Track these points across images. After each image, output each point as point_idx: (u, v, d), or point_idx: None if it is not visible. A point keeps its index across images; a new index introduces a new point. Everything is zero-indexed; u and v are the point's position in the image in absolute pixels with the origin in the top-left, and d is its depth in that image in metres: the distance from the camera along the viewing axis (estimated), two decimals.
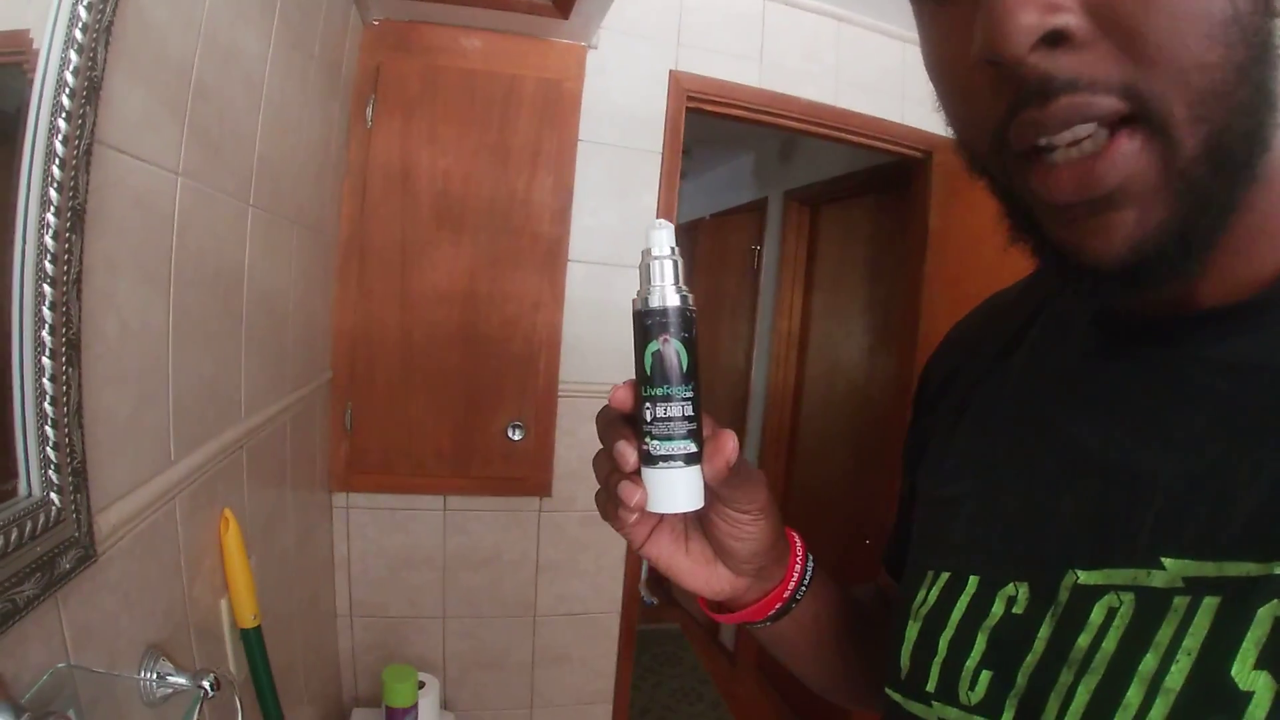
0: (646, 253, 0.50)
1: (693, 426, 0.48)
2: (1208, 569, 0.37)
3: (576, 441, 2.34)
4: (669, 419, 0.48)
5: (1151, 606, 0.39)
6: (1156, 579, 0.39)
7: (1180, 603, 0.38)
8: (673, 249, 0.49)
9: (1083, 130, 0.37)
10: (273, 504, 1.51)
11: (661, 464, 0.48)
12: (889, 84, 2.63)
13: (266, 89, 1.28)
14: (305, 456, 1.82)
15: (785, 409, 4.00)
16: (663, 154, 2.47)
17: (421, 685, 1.96)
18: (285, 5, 1.34)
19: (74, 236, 0.68)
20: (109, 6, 0.68)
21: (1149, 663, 0.38)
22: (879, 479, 2.88)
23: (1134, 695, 0.38)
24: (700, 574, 0.60)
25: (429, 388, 2.20)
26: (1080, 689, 0.40)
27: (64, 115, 0.64)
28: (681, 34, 2.45)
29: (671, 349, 0.48)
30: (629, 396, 0.50)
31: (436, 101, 2.15)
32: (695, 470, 0.49)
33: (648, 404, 0.48)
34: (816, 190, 3.83)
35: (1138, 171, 0.37)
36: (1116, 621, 0.40)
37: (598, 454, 0.54)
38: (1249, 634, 0.34)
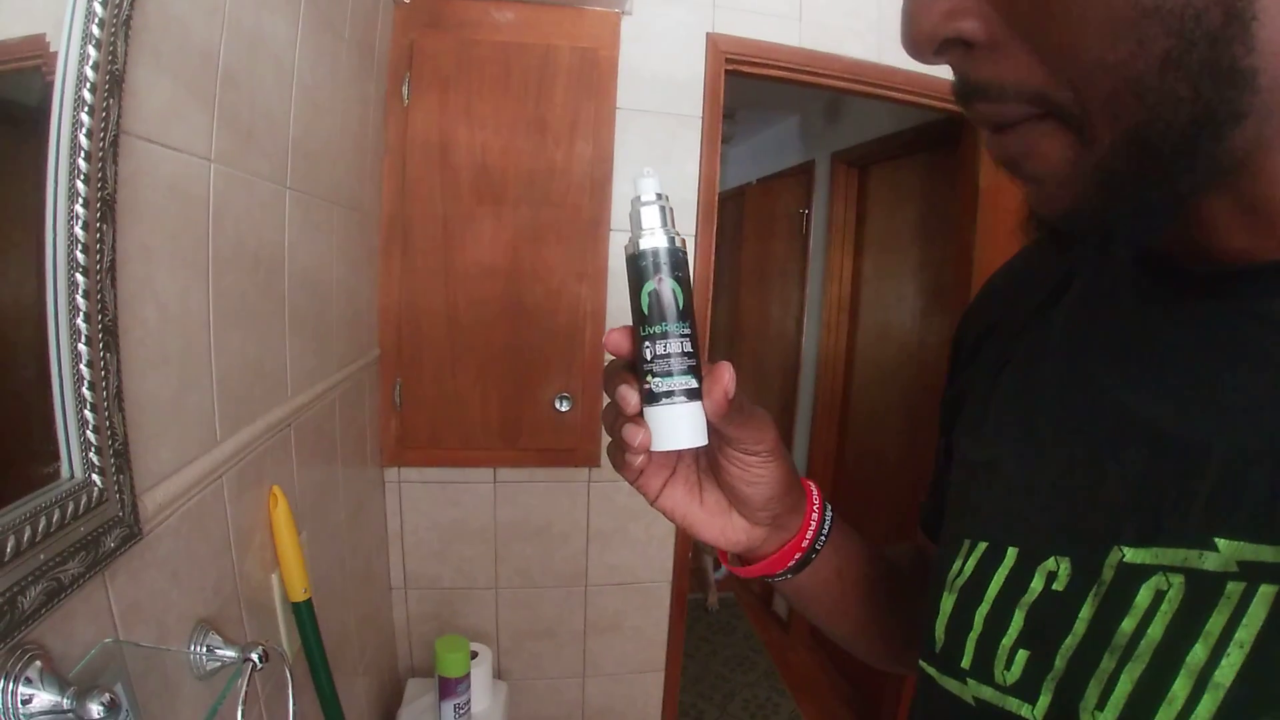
0: (636, 200, 0.51)
1: (692, 362, 0.50)
2: (1265, 553, 0.35)
3: None
4: (669, 355, 0.49)
5: (1202, 592, 0.36)
6: (1209, 561, 0.36)
7: (1234, 589, 0.35)
8: (659, 194, 0.51)
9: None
10: (323, 480, 1.55)
11: (665, 400, 0.49)
12: None
13: (297, 72, 1.29)
14: (355, 433, 1.86)
15: (837, 376, 3.95)
16: (703, 119, 2.44)
17: (474, 655, 2.01)
18: None
19: (105, 226, 0.70)
20: (126, 1, 0.69)
21: (1198, 654, 0.35)
22: (935, 444, 2.82)
23: (1180, 688, 0.35)
24: (716, 524, 0.59)
25: (476, 362, 2.23)
26: (1123, 677, 0.38)
27: (86, 109, 0.66)
28: None
29: (667, 287, 0.49)
30: (624, 340, 0.51)
31: (472, 76, 2.16)
32: (697, 406, 0.50)
33: (647, 343, 0.49)
34: (864, 151, 3.74)
35: (1053, 165, 0.38)
36: (1164, 606, 0.37)
37: (604, 407, 0.54)
38: None
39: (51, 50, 0.63)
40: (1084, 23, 0.34)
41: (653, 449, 0.50)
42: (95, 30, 0.65)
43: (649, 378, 0.49)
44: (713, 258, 2.50)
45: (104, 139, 0.69)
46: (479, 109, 2.17)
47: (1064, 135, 0.37)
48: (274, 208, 1.23)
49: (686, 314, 0.50)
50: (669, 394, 0.49)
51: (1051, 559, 0.44)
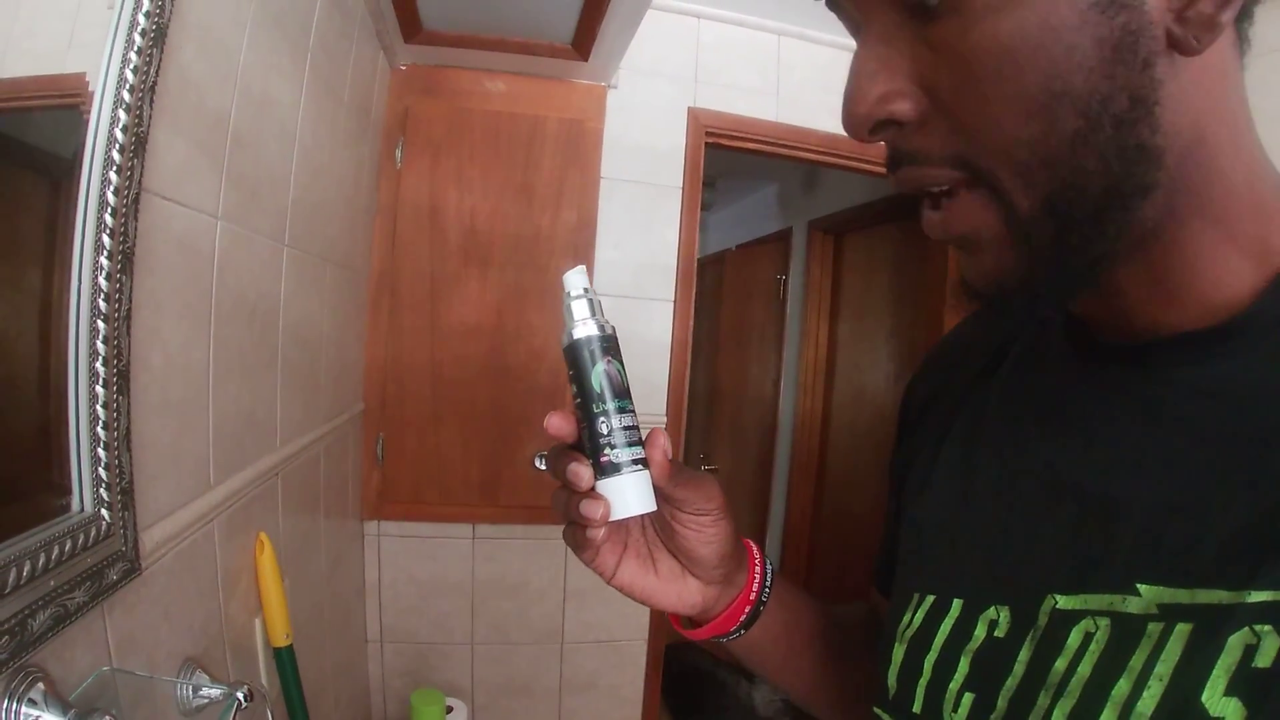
0: (567, 295, 0.56)
1: (638, 434, 0.54)
2: (1181, 596, 0.38)
3: None
4: (625, 428, 0.53)
5: (1126, 632, 0.40)
6: (1132, 605, 0.40)
7: (1154, 629, 0.38)
8: (586, 288, 0.57)
9: (934, 189, 0.42)
10: (306, 530, 1.57)
11: (626, 470, 0.53)
12: None
13: (299, 134, 1.36)
14: (338, 485, 1.88)
15: (813, 437, 4.01)
16: (683, 189, 2.53)
17: (450, 710, 2.00)
18: (316, 55, 1.43)
19: (124, 277, 0.75)
20: (153, 68, 0.76)
21: (1122, 688, 0.38)
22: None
23: (1107, 719, 0.38)
24: (673, 590, 0.62)
25: (458, 419, 2.26)
26: (1056, 712, 0.41)
27: (114, 168, 0.71)
28: (699, 71, 2.52)
29: (614, 368, 0.54)
30: (566, 422, 0.55)
31: (463, 142, 2.23)
32: (646, 473, 0.54)
33: (601, 419, 0.53)
34: (840, 219, 3.86)
35: (983, 223, 0.42)
36: (1093, 646, 0.41)
37: (555, 492, 0.57)
38: (1220, 661, 0.35)
39: (90, 89, 0.69)
40: (1000, 103, 0.38)
41: (613, 519, 0.53)
42: (126, 95, 0.71)
43: (606, 450, 0.53)
44: (691, 322, 2.57)
45: (128, 196, 0.74)
46: (469, 174, 2.24)
47: (994, 203, 0.41)
48: (272, 264, 1.28)
49: (628, 390, 0.55)
50: (628, 463, 0.53)
51: (993, 608, 0.48)
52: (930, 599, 0.53)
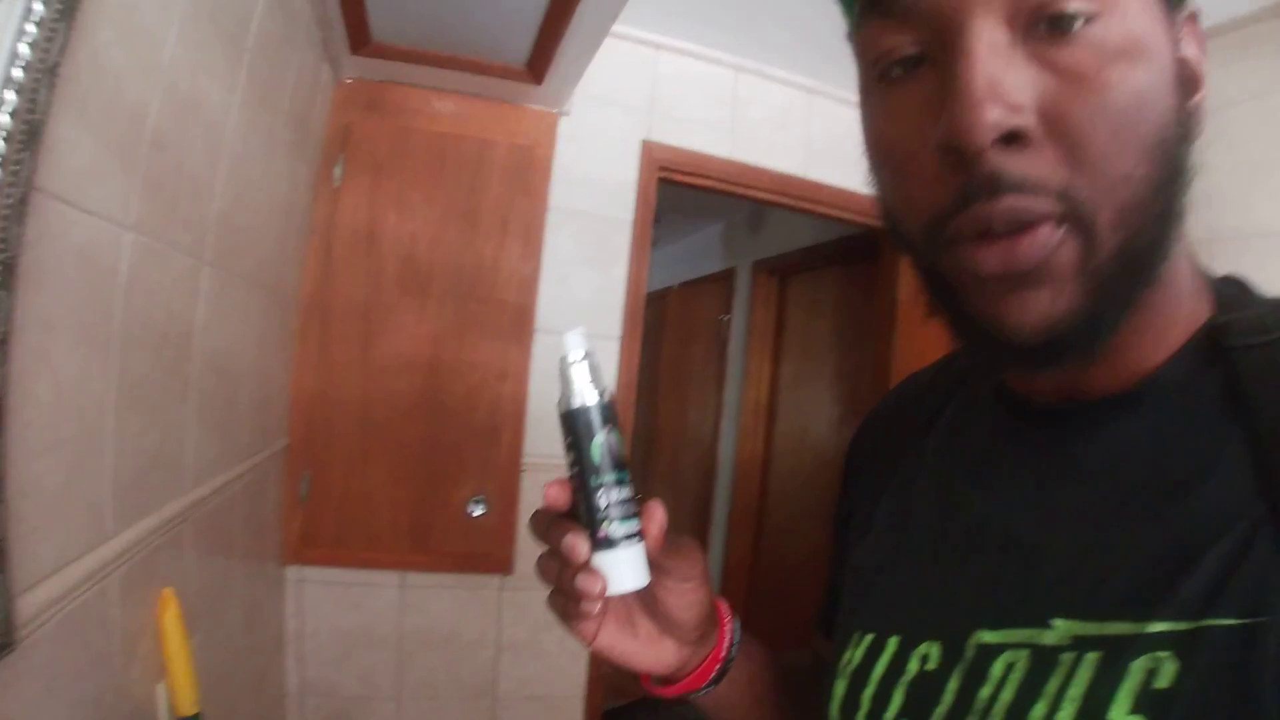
0: (565, 359, 0.54)
1: (636, 506, 0.54)
2: (1091, 628, 0.43)
3: None
4: (624, 501, 0.53)
5: (1043, 661, 0.44)
6: (1048, 637, 0.44)
7: (1067, 658, 0.43)
8: (588, 352, 0.55)
9: (1027, 222, 0.41)
10: (219, 578, 1.42)
11: (622, 545, 0.52)
12: (859, 156, 2.65)
13: (229, 142, 1.24)
14: (256, 527, 1.73)
15: (754, 481, 3.95)
16: (634, 223, 2.47)
17: None
18: (254, 58, 1.31)
19: (2, 293, 0.62)
20: (55, 46, 0.63)
21: (1039, 710, 0.42)
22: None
23: None
24: (651, 652, 0.62)
25: (388, 458, 2.13)
26: None
27: None
28: (655, 104, 2.47)
29: (614, 438, 0.53)
30: (564, 493, 0.54)
31: (406, 163, 2.13)
32: (642, 546, 0.54)
33: (600, 491, 0.52)
34: (785, 261, 3.86)
35: (1057, 259, 0.41)
36: (1013, 675, 0.45)
37: (540, 558, 0.56)
38: (1125, 684, 0.40)
39: None
40: (1125, 141, 0.39)
41: (609, 593, 0.53)
42: (17, 74, 0.59)
43: (605, 524, 0.52)
44: (637, 361, 2.50)
45: (13, 195, 0.61)
46: (410, 197, 2.14)
47: (1075, 242, 0.41)
48: (189, 283, 1.15)
49: (627, 461, 0.54)
50: (628, 537, 0.52)
51: (925, 644, 0.51)
52: (869, 637, 0.56)
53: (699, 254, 4.84)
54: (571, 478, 0.54)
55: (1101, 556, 0.44)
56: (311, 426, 2.07)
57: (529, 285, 2.27)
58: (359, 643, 2.20)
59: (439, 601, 2.25)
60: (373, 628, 2.21)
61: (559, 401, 0.55)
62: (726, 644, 0.66)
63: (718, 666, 0.65)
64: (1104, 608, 0.43)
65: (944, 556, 0.54)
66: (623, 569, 0.53)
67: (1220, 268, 1.75)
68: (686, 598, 0.60)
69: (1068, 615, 0.44)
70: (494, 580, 2.28)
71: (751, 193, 2.65)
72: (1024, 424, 0.53)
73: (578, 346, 0.55)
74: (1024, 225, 0.40)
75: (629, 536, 0.53)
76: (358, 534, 2.12)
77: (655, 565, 0.56)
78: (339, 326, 2.09)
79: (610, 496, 0.52)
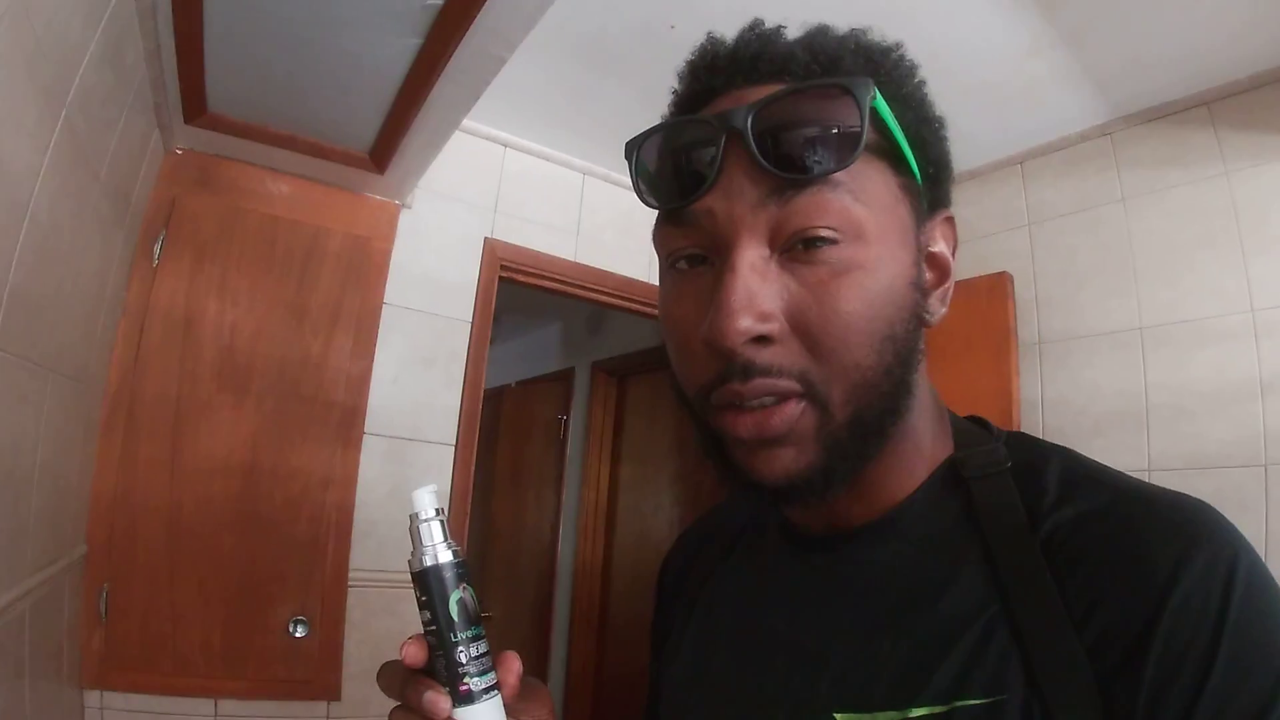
0: (416, 516, 0.55)
1: (491, 659, 0.55)
2: (864, 719, 0.51)
3: (369, 637, 2.09)
4: (481, 656, 0.54)
5: None
6: None
7: None
8: (439, 509, 0.56)
9: (767, 401, 0.50)
10: (5, 712, 1.21)
11: (481, 699, 0.53)
12: None
13: (33, 207, 1.08)
14: (50, 648, 1.50)
15: (594, 582, 3.86)
16: (472, 323, 2.41)
17: None
18: (73, 115, 1.18)
19: None
20: None
21: None
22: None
23: None
24: None
25: (198, 572, 1.92)
26: None
27: None
28: (500, 201, 2.45)
29: (469, 595, 0.54)
30: (422, 650, 0.54)
31: (233, 247, 2.00)
32: (499, 698, 0.55)
33: (460, 648, 0.53)
34: (625, 362, 3.87)
35: (799, 427, 0.50)
36: None
37: (393, 713, 0.57)
38: None
39: None
40: (855, 337, 0.49)
41: None
42: None
43: (465, 679, 0.53)
44: (472, 470, 2.41)
45: None
46: (235, 283, 2.00)
47: (812, 413, 0.50)
48: None
49: (480, 616, 0.55)
50: (487, 690, 0.54)
51: None
52: None
53: (537, 352, 4.80)
54: (427, 634, 0.54)
55: (871, 658, 0.53)
56: (113, 533, 1.84)
57: (359, 385, 2.15)
58: None
59: None
60: None
61: (410, 560, 0.55)
62: None
63: None
64: (874, 700, 0.51)
65: (744, 668, 0.62)
66: None
67: (1049, 367, 2.11)
68: None
69: (845, 709, 0.52)
70: (319, 708, 2.07)
71: (594, 295, 2.65)
72: (802, 551, 0.63)
73: (429, 503, 0.56)
74: (774, 398, 0.50)
75: (488, 689, 0.54)
76: (166, 656, 1.88)
77: (510, 710, 0.57)
78: (147, 422, 1.89)
79: (469, 652, 0.53)
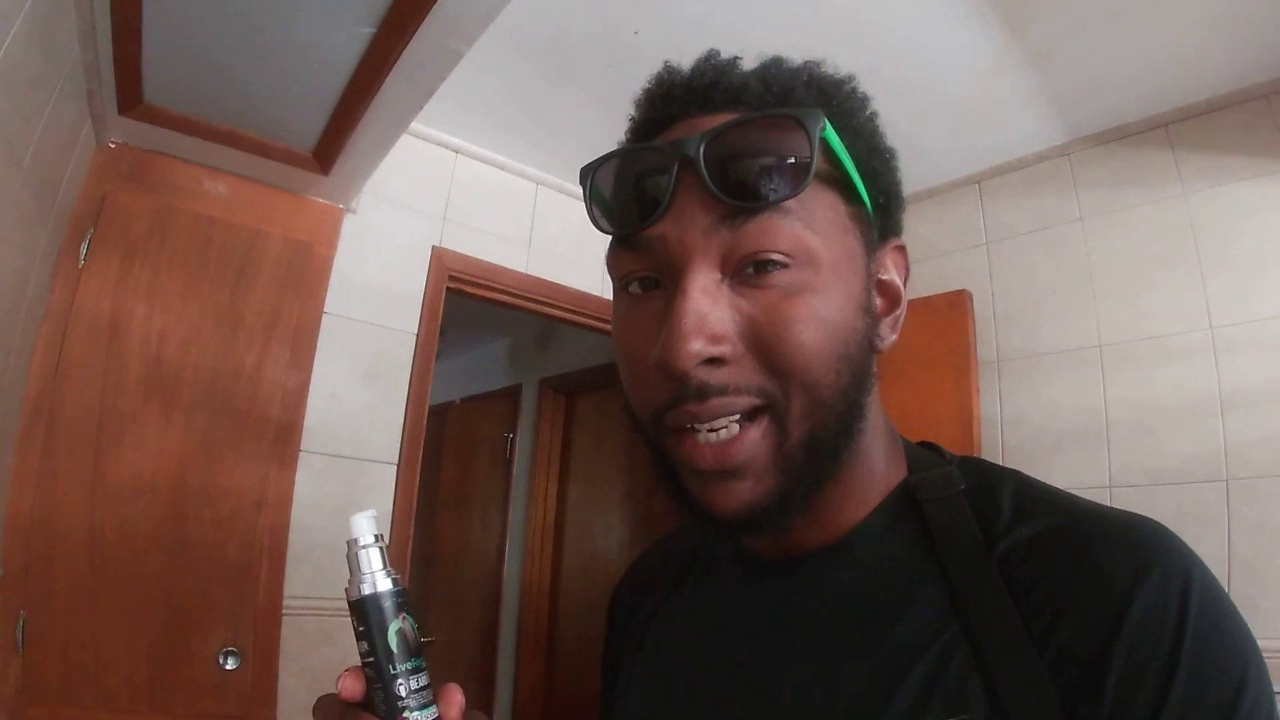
0: (354, 543, 0.54)
1: (431, 692, 0.53)
2: None
3: (305, 669, 1.97)
4: (422, 689, 0.52)
5: None
6: None
7: None
8: (378, 535, 0.54)
9: (721, 422, 0.51)
10: None
11: None
12: None
13: None
14: None
15: (541, 605, 3.78)
16: (418, 335, 2.33)
17: None
18: None
19: None
20: None
21: None
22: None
23: None
24: None
25: (122, 598, 1.79)
26: None
27: None
28: (449, 209, 2.38)
29: (408, 625, 0.53)
30: (360, 684, 0.53)
31: (164, 248, 1.90)
32: None
33: (399, 680, 0.52)
34: (573, 379, 3.81)
35: (757, 454, 0.51)
36: None
37: None
38: None
39: None
40: (809, 356, 0.50)
41: None
42: None
43: (406, 713, 0.51)
44: (416, 488, 2.32)
45: None
46: (165, 287, 1.89)
47: (771, 435, 0.51)
48: None
49: (421, 647, 0.54)
50: None
51: None
52: None
53: (484, 369, 4.72)
54: (365, 666, 0.53)
55: (829, 684, 0.53)
56: (30, 556, 1.72)
57: (296, 399, 2.05)
58: None
59: None
60: None
61: (348, 588, 0.54)
62: None
63: None
64: None
65: (700, 699, 0.61)
66: None
67: (1009, 385, 2.13)
68: None
69: None
70: None
71: (546, 308, 2.59)
72: (756, 576, 0.63)
73: (367, 529, 0.54)
74: (731, 419, 0.51)
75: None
76: (88, 689, 1.75)
77: None
78: (67, 435, 1.77)
79: (409, 685, 0.52)
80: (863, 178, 0.55)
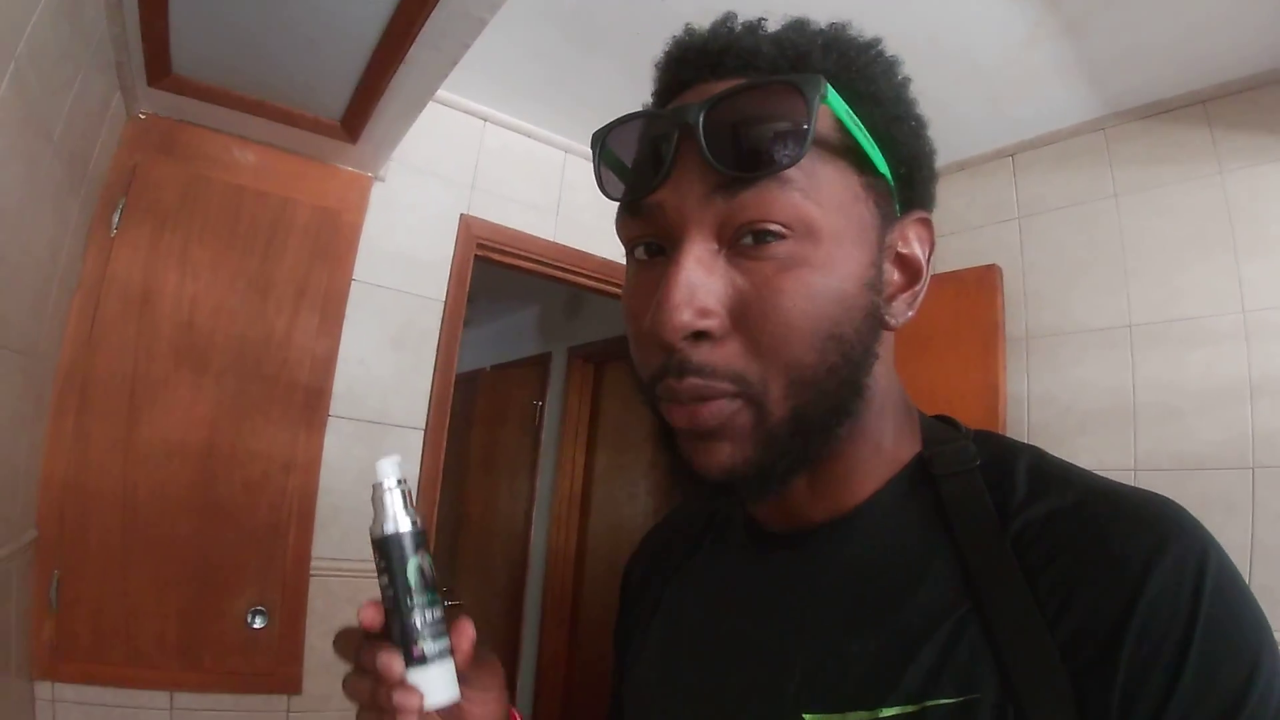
0: (379, 485, 0.58)
1: (445, 625, 0.58)
2: (834, 719, 0.51)
3: (332, 629, 1.96)
4: (437, 621, 0.57)
5: None
6: None
7: None
8: (401, 479, 0.59)
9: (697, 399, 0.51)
10: None
11: (435, 661, 0.56)
12: None
13: None
14: None
15: (567, 573, 3.82)
16: (445, 302, 2.34)
17: None
18: (23, 69, 1.10)
19: None
20: None
21: None
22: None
23: None
24: None
25: (154, 559, 1.84)
26: None
27: None
28: (477, 177, 2.38)
29: (427, 562, 0.58)
30: (379, 615, 0.57)
31: (195, 217, 1.93)
32: (452, 662, 0.58)
33: (415, 613, 0.56)
34: (602, 348, 3.82)
35: (734, 423, 0.51)
36: None
37: (348, 677, 0.59)
38: None
39: None
40: (795, 335, 0.49)
41: (426, 707, 0.56)
42: None
43: (419, 643, 0.56)
44: (443, 455, 2.34)
45: None
46: (196, 256, 1.92)
47: (748, 411, 0.51)
48: None
49: (437, 583, 0.58)
50: (440, 654, 0.56)
51: None
52: None
53: (513, 336, 4.75)
54: (385, 600, 0.57)
55: (838, 659, 0.53)
56: (64, 518, 1.77)
57: (325, 365, 2.08)
58: None
59: None
60: None
61: (371, 527, 0.58)
62: None
63: None
64: (844, 701, 0.51)
65: (710, 670, 0.62)
66: (436, 684, 0.57)
67: (1037, 363, 2.07)
68: (487, 707, 0.66)
69: (814, 710, 0.52)
70: (279, 701, 2.01)
71: (573, 277, 2.59)
72: (765, 549, 0.63)
73: (391, 473, 0.59)
74: (704, 398, 0.50)
75: (441, 654, 0.57)
76: (119, 647, 1.81)
77: (461, 677, 0.60)
78: (101, 400, 1.81)
79: (424, 617, 0.56)
80: (881, 146, 0.53)
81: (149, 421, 1.85)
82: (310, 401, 2.04)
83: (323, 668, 2.02)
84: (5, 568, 1.48)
